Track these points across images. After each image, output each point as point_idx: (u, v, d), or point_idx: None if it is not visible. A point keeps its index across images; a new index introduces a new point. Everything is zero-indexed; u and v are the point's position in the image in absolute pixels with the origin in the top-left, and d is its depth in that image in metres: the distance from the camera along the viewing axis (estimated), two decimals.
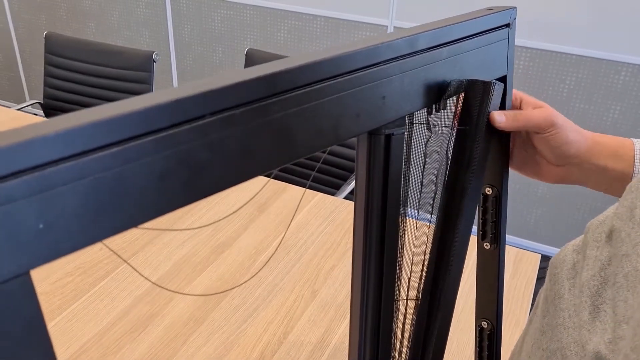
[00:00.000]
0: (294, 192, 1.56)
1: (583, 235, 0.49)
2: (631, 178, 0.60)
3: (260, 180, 1.58)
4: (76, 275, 1.23)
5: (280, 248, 1.34)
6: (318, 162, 1.97)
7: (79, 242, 0.26)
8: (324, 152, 1.90)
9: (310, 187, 1.65)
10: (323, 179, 1.97)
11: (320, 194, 1.55)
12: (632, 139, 0.63)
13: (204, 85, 0.29)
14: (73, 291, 1.19)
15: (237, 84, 0.30)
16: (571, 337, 0.43)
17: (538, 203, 2.60)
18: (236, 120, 0.30)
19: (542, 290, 0.54)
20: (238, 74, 0.31)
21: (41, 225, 0.25)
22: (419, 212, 0.55)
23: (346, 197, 1.77)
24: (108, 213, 0.26)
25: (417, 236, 0.56)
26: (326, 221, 1.44)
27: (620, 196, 0.63)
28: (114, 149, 0.26)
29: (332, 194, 1.63)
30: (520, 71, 2.38)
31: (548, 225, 2.63)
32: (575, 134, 0.60)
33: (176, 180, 0.28)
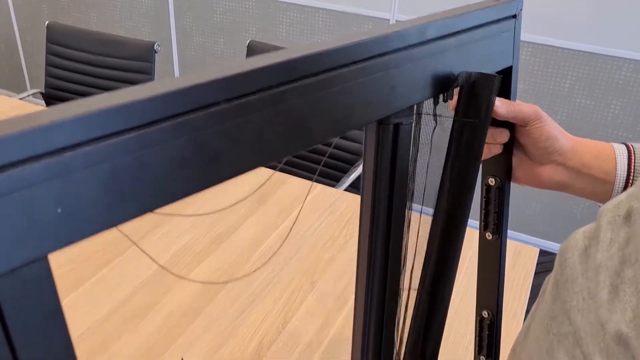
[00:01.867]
0: (294, 183, 1.56)
1: (594, 222, 0.49)
2: (614, 179, 0.62)
3: (262, 172, 1.59)
4: (77, 263, 1.24)
5: (279, 239, 1.35)
6: (320, 154, 1.97)
7: (96, 226, 0.26)
8: (328, 145, 1.91)
9: (310, 179, 1.65)
10: (323, 171, 1.98)
11: (320, 186, 1.55)
12: (610, 143, 0.64)
13: (219, 72, 0.29)
14: (73, 279, 1.19)
15: (250, 71, 0.31)
16: (585, 319, 0.44)
17: (536, 198, 2.60)
18: (250, 107, 0.31)
19: (548, 279, 0.55)
20: (251, 61, 0.32)
21: (59, 210, 0.25)
22: (423, 201, 0.55)
23: (346, 189, 1.78)
24: (124, 198, 0.27)
25: (420, 226, 0.57)
26: (326, 213, 1.45)
27: (603, 202, 0.64)
28: (131, 135, 0.26)
29: (332, 186, 1.63)
30: (522, 66, 2.38)
31: (546, 220, 2.64)
32: (559, 131, 0.62)
33: (192, 165, 0.29)
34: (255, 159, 0.32)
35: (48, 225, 0.25)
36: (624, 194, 0.47)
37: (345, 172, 1.92)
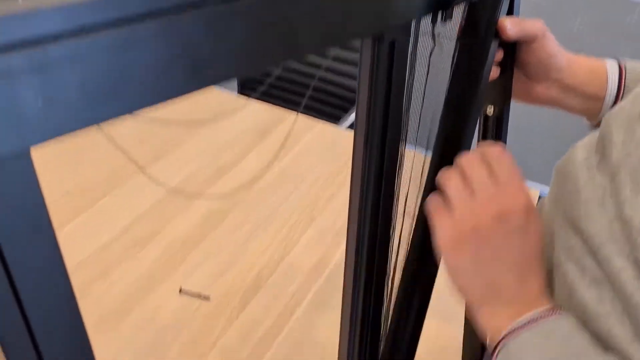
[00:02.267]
0: (296, 119, 1.56)
1: (591, 134, 0.49)
2: (605, 95, 0.62)
3: (264, 109, 1.58)
4: (74, 195, 1.24)
5: (280, 175, 1.35)
6: (318, 91, 1.96)
7: (78, 122, 0.26)
8: (321, 81, 1.89)
9: (313, 116, 1.63)
10: (324, 110, 1.96)
11: (321, 123, 1.54)
12: (604, 60, 0.63)
13: None
14: (71, 210, 1.20)
15: None
16: (599, 224, 0.43)
17: (537, 144, 2.60)
18: (240, 10, 0.30)
19: (542, 202, 0.54)
20: None
21: (40, 103, 0.24)
22: (420, 128, 0.54)
23: (349, 127, 1.77)
24: (107, 95, 0.26)
25: (415, 158, 0.56)
26: (327, 150, 1.44)
27: (593, 118, 0.64)
28: (115, 30, 0.25)
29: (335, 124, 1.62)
30: (530, 7, 2.33)
31: (547, 165, 2.63)
32: (558, 48, 0.61)
33: (177, 66, 0.28)
34: (242, 66, 0.31)
35: (28, 117, 0.24)
36: (629, 97, 0.46)
37: (347, 110, 1.91)
